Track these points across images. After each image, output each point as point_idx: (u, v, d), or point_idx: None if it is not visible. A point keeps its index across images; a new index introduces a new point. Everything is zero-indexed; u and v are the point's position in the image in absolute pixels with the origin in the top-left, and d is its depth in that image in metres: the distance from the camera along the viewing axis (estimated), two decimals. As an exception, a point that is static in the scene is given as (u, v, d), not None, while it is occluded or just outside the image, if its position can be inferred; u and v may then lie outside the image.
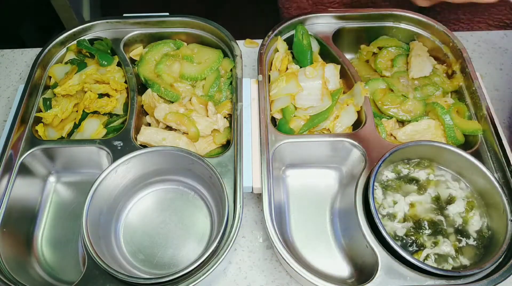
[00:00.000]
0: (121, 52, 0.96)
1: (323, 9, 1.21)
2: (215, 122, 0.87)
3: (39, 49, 0.94)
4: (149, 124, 0.91)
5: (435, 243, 0.72)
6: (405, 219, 0.75)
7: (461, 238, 0.73)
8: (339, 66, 0.94)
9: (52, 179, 0.88)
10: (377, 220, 0.70)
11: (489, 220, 0.75)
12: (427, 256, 0.71)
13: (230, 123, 0.89)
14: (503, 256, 0.69)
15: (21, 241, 0.79)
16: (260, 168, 0.78)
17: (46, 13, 1.32)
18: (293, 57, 0.98)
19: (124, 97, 0.92)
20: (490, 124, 0.83)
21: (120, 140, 0.82)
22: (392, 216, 0.75)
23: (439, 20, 0.98)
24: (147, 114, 0.92)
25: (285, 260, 0.68)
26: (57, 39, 0.96)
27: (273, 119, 0.90)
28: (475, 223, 0.74)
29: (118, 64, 0.96)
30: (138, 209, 0.83)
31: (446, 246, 0.72)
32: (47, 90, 0.92)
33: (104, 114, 0.90)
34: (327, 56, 0.97)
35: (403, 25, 1.00)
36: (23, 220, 0.81)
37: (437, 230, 0.73)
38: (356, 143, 0.82)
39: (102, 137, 0.86)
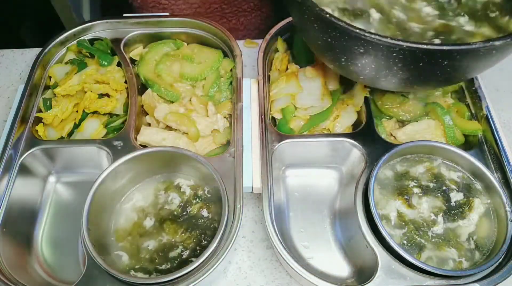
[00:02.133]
0: (121, 52, 0.96)
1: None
2: (215, 122, 0.87)
3: (39, 49, 0.94)
4: (149, 124, 0.91)
5: (436, 244, 0.72)
6: (405, 220, 0.75)
7: (461, 238, 0.73)
8: (339, 66, 0.94)
9: (52, 179, 0.88)
10: (377, 220, 0.70)
11: (489, 220, 0.75)
12: (427, 258, 0.71)
13: (230, 123, 0.89)
14: (503, 256, 0.69)
15: (21, 241, 0.79)
16: (260, 168, 0.78)
17: (46, 13, 1.32)
18: (293, 57, 0.98)
19: (124, 97, 0.92)
20: (490, 124, 0.83)
21: (120, 140, 0.82)
22: (392, 216, 0.75)
23: None
24: (147, 114, 0.92)
25: (285, 260, 0.68)
26: (57, 39, 0.96)
27: (273, 119, 0.90)
28: (475, 223, 0.74)
29: (118, 64, 0.96)
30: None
31: (446, 247, 0.72)
32: (47, 90, 0.92)
33: (104, 114, 0.90)
34: (327, 56, 0.97)
35: (403, 25, 1.00)
36: (23, 220, 0.81)
37: (437, 231, 0.73)
38: (356, 143, 0.81)
39: (102, 137, 0.86)
